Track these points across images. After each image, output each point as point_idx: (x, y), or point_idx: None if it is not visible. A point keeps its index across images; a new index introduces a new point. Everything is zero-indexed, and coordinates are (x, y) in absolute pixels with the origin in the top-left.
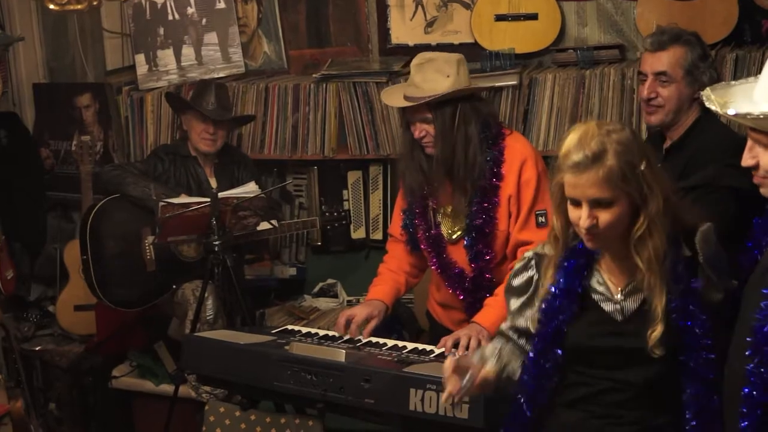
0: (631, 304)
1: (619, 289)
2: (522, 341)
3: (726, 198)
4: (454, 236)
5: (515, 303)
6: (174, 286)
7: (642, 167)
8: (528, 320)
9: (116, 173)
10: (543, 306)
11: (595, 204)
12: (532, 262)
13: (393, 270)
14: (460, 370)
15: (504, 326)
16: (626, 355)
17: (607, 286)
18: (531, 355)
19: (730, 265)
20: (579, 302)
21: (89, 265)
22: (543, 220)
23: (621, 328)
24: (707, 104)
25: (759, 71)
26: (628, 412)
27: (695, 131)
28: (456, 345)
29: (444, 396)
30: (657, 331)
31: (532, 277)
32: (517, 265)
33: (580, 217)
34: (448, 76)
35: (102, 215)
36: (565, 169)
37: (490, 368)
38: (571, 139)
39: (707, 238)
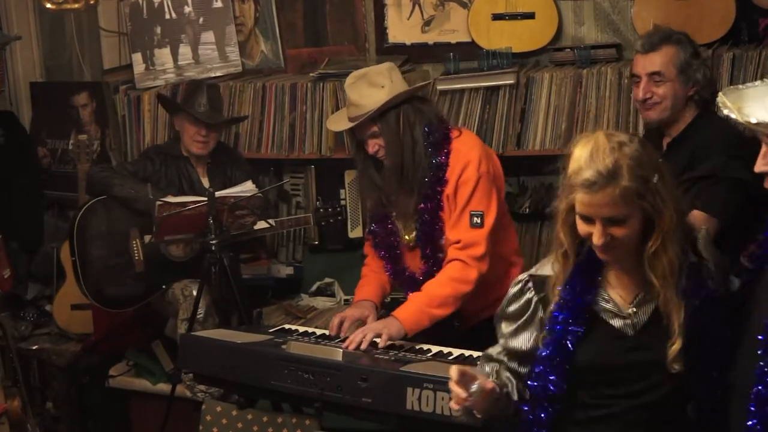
0: (642, 317)
1: (628, 302)
2: (514, 364)
3: (731, 189)
4: (412, 241)
5: (508, 327)
6: (164, 286)
7: (655, 180)
8: (526, 341)
9: (104, 175)
10: (548, 325)
11: (609, 222)
12: (529, 284)
13: (376, 271)
14: (465, 379)
15: (494, 351)
16: (641, 369)
17: (615, 302)
18: (533, 376)
19: (729, 264)
20: (586, 320)
21: (77, 266)
22: (478, 221)
23: (633, 342)
24: (725, 111)
25: (756, 70)
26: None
27: (695, 127)
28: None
29: (453, 404)
30: (677, 345)
31: (530, 300)
32: (512, 290)
33: (593, 233)
34: (382, 87)
35: (90, 217)
36: (577, 187)
37: (491, 382)
38: (581, 154)
39: (708, 242)
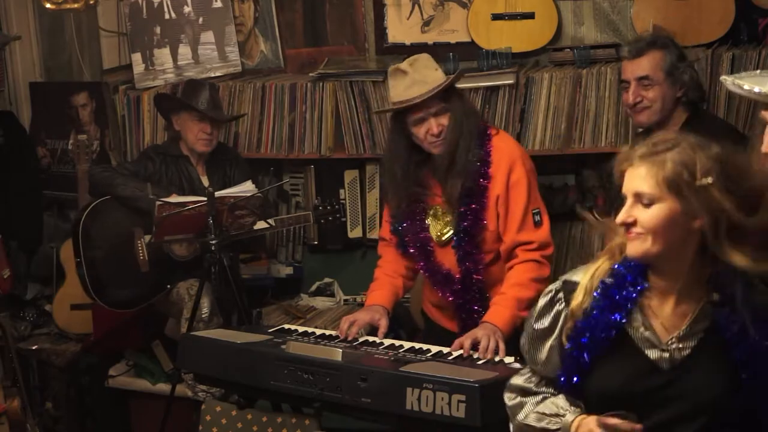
0: (683, 352)
1: (672, 336)
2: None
3: None
4: (444, 238)
5: (543, 351)
6: (168, 286)
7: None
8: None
9: (106, 175)
10: (572, 331)
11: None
12: (560, 295)
13: (389, 274)
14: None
15: (520, 379)
16: (672, 409)
17: (654, 331)
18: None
19: None
20: (614, 337)
21: (83, 266)
22: (539, 218)
23: (667, 377)
24: (730, 87)
25: (755, 70)
26: None
27: (689, 129)
28: (476, 346)
29: None
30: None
31: (560, 313)
32: (540, 303)
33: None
34: (437, 69)
35: (94, 217)
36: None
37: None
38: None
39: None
